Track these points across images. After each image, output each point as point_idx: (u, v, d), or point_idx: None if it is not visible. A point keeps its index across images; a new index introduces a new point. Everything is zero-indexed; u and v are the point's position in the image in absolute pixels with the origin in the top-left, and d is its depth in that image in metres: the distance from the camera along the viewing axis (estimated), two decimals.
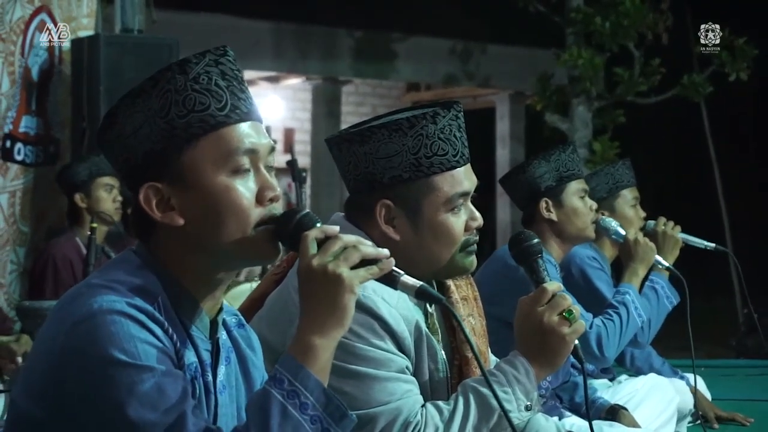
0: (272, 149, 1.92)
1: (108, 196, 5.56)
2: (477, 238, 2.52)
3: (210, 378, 1.92)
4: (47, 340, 1.80)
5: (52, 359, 1.77)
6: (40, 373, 1.79)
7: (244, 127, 1.88)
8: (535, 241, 2.55)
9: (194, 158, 1.85)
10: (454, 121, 2.46)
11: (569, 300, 2.43)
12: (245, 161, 1.87)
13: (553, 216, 4.00)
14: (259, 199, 1.87)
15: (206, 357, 1.92)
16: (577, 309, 2.44)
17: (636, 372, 4.72)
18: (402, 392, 2.36)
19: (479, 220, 2.50)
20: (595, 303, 4.19)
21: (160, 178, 1.86)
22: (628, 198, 4.57)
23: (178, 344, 1.83)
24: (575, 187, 4.03)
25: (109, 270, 1.88)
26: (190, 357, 1.86)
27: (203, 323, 1.92)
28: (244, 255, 1.88)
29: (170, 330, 1.81)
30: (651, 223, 4.47)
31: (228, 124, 1.87)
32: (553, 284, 2.46)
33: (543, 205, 4.00)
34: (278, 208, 1.91)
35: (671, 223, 4.40)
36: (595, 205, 4.09)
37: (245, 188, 1.86)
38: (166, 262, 1.88)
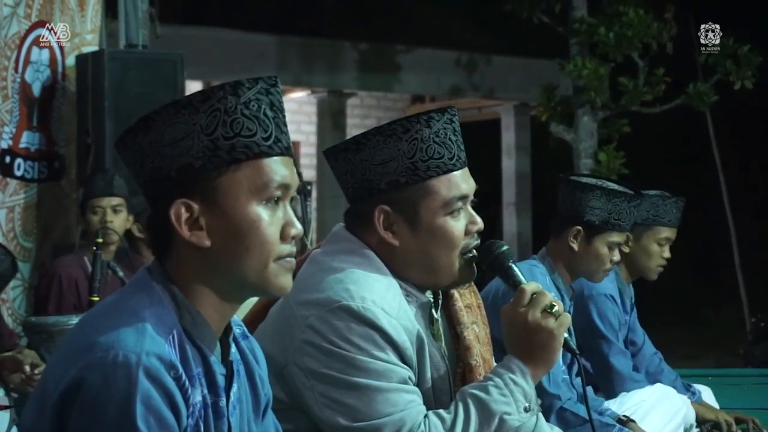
0: (297, 186, 1.94)
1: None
2: (478, 242, 2.52)
3: (224, 402, 1.90)
4: (56, 373, 1.77)
5: (56, 395, 1.74)
6: (42, 408, 1.77)
7: (282, 161, 1.90)
8: (505, 248, 2.56)
9: (232, 182, 1.84)
10: (448, 125, 2.47)
11: (550, 295, 2.43)
12: (278, 194, 1.88)
13: (575, 246, 3.93)
14: (283, 236, 1.88)
15: (221, 381, 1.90)
16: (560, 303, 2.45)
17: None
18: (405, 403, 2.36)
19: (479, 224, 2.50)
20: (590, 336, 4.22)
21: (193, 195, 1.84)
22: (660, 236, 4.52)
23: (186, 384, 1.79)
24: (613, 238, 3.92)
25: (125, 298, 1.86)
26: (196, 396, 1.83)
27: (217, 349, 1.91)
28: (258, 286, 1.88)
29: (181, 373, 1.78)
30: None
31: (270, 155, 1.88)
32: (531, 284, 2.47)
33: (574, 231, 3.93)
34: (294, 247, 1.91)
35: None
36: (617, 259, 4.01)
37: (274, 221, 1.87)
38: (181, 284, 1.87)
